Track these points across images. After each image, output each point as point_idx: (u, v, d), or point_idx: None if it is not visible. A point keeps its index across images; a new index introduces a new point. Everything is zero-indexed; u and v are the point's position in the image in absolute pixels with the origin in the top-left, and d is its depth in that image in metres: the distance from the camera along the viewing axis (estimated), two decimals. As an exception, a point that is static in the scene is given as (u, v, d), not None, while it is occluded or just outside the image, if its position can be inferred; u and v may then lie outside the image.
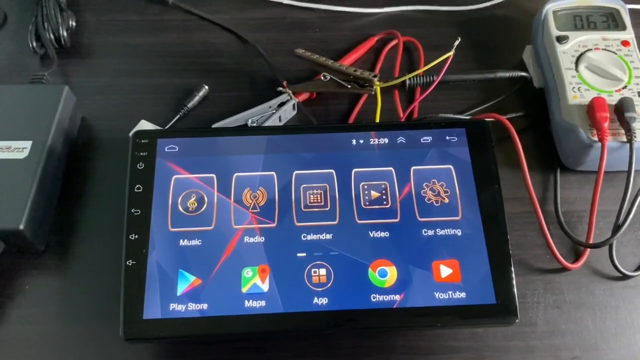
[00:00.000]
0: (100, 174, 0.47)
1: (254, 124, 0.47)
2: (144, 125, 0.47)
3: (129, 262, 0.38)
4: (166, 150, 0.41)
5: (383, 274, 0.38)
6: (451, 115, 0.47)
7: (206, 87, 0.51)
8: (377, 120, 0.47)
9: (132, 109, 0.51)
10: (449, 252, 0.38)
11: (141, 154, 0.41)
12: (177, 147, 0.42)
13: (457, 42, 0.46)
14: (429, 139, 0.42)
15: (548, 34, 0.50)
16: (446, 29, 0.57)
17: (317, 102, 0.52)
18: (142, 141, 0.41)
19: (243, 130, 0.46)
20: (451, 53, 0.46)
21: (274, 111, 0.48)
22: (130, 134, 0.42)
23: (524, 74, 0.51)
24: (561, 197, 0.46)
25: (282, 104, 0.49)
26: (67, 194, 0.46)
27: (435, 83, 0.48)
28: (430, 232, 0.39)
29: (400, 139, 0.42)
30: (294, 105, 0.49)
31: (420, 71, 0.48)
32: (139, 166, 0.41)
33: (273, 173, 0.41)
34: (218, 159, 0.41)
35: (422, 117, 0.48)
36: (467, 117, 0.47)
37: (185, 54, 0.55)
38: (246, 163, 0.41)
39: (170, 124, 0.49)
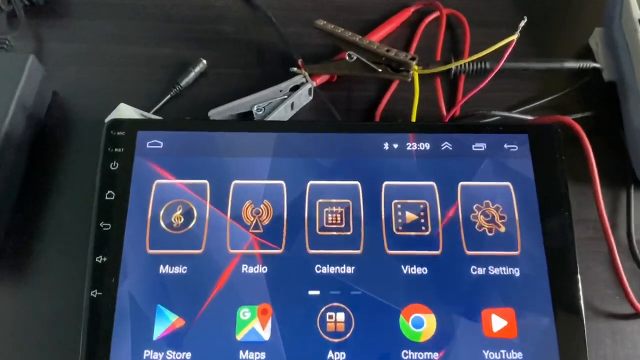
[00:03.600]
0: (71, 164, 0.41)
1: (260, 112, 0.41)
2: (123, 110, 0.39)
3: (94, 293, 0.32)
4: (148, 146, 0.35)
5: (418, 324, 0.31)
6: (507, 114, 0.38)
7: (204, 61, 0.44)
8: (414, 116, 0.39)
9: (114, 84, 0.44)
10: (504, 298, 0.32)
11: (115, 150, 0.35)
12: (162, 143, 0.35)
13: (522, 23, 0.37)
14: (482, 146, 0.35)
15: (628, 14, 0.41)
16: (497, 1, 0.48)
17: (337, 86, 0.44)
18: (118, 133, 0.35)
19: (246, 124, 0.39)
20: (515, 37, 0.37)
21: (286, 96, 0.42)
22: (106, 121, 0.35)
23: (596, 64, 0.43)
24: (635, 222, 0.39)
25: (295, 88, 0.42)
26: (30, 188, 0.40)
27: (493, 73, 0.39)
28: (481, 271, 0.32)
29: (446, 145, 0.35)
30: (310, 90, 0.42)
31: (477, 56, 0.39)
32: (112, 166, 0.34)
33: (282, 182, 0.34)
34: (213, 161, 0.35)
35: (469, 114, 0.40)
36: (530, 118, 0.38)
37: (181, 19, 0.47)
38: (248, 167, 0.35)
39: (158, 106, 0.42)
